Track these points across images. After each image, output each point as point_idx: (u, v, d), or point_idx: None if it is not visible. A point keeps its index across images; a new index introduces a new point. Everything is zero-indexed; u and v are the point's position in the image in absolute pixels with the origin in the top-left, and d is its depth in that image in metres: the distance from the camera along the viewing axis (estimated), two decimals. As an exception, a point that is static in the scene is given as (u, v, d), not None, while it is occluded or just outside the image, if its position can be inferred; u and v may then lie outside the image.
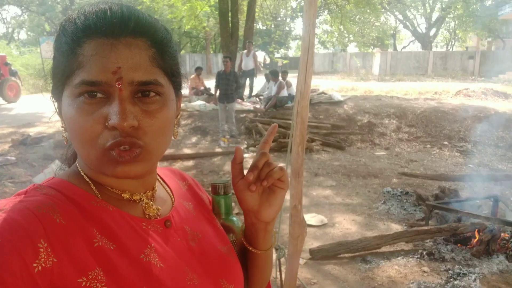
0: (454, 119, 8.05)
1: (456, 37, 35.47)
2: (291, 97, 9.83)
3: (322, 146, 7.51)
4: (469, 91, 11.23)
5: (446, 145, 7.31)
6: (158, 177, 0.76)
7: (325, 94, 10.46)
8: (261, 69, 16.04)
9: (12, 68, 13.75)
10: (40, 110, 9.93)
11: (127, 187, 0.65)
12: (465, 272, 3.24)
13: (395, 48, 35.43)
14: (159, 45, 0.60)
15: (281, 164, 0.72)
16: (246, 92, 11.53)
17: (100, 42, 0.55)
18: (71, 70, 0.56)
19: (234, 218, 0.83)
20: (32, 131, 7.42)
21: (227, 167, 6.34)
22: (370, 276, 3.25)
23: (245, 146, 7.60)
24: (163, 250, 0.63)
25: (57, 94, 0.61)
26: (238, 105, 9.78)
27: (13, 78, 13.15)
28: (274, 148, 7.23)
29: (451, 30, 33.82)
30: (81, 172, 0.64)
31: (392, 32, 35.28)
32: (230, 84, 7.91)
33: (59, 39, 0.59)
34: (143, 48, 0.57)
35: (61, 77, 0.58)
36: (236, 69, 11.53)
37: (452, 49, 35.17)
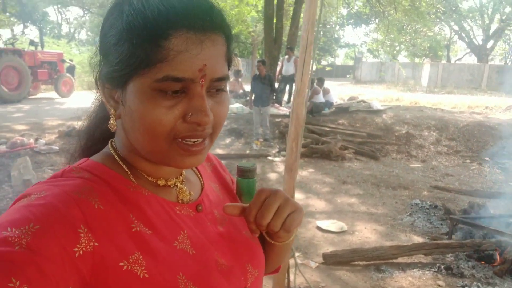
0: (499, 135, 7.64)
1: (517, 51, 33.43)
2: (328, 104, 9.79)
3: (355, 154, 7.41)
4: (521, 107, 10.59)
5: (487, 161, 6.96)
6: None
7: (364, 102, 10.28)
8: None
9: (70, 63, 14.70)
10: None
11: (162, 174, 0.65)
12: (483, 290, 3.11)
13: (448, 60, 33.98)
14: (230, 41, 0.60)
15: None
16: (286, 97, 11.59)
17: (190, 38, 0.53)
18: (151, 62, 0.53)
19: None
20: (79, 124, 7.91)
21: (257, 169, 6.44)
22: (381, 285, 3.20)
23: (277, 150, 7.66)
24: (195, 235, 0.63)
25: (118, 81, 0.57)
26: (275, 109, 9.88)
27: (67, 74, 14.06)
28: (305, 154, 7.24)
29: (511, 43, 31.93)
30: (115, 156, 0.63)
31: (446, 43, 33.92)
32: (265, 88, 8.01)
33: (133, 22, 0.53)
34: (221, 44, 0.57)
35: (133, 65, 0.54)
36: (277, 74, 11.67)
37: (511, 63, 33.16)
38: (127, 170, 0.62)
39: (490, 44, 29.35)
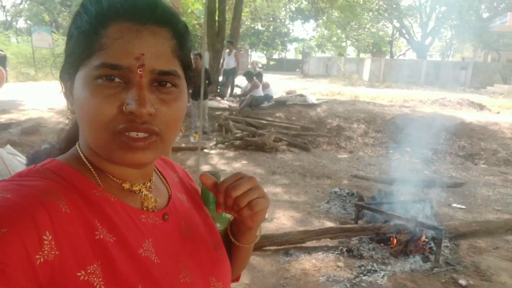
0: (420, 127, 8.23)
1: (453, 47, 35.67)
2: (268, 98, 10.02)
3: (288, 146, 7.68)
4: (445, 101, 11.42)
5: (408, 152, 7.48)
6: (154, 166, 0.74)
7: (301, 96, 10.64)
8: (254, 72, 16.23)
9: (0, 54, 13.86)
10: (21, 98, 10.10)
11: (127, 177, 0.63)
12: (376, 269, 3.42)
13: (392, 55, 35.58)
14: (180, 37, 0.60)
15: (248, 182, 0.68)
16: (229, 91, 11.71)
17: (126, 27, 0.54)
18: (91, 51, 0.55)
19: None
20: (5, 117, 7.60)
21: (190, 161, 6.52)
22: (286, 268, 3.42)
23: (214, 142, 7.77)
24: (160, 244, 0.62)
25: (69, 74, 0.59)
26: (216, 102, 9.97)
27: (-3, 66, 13.26)
28: (240, 146, 7.41)
29: (448, 40, 34.01)
30: (82, 157, 0.62)
31: (389, 39, 35.48)
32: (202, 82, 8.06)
33: (80, 17, 0.57)
34: (166, 38, 0.57)
35: (78, 57, 0.56)
36: (220, 67, 11.75)
37: (448, 59, 35.38)
38: (93, 172, 0.61)
39: (428, 41, 31.08)
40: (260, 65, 32.61)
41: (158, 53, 0.56)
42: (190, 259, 0.67)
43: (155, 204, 0.66)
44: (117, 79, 0.55)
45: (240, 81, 11.96)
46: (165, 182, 0.74)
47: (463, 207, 5.07)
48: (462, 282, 3.28)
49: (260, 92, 9.75)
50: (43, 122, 7.14)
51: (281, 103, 9.87)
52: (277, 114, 9.16)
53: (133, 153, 0.56)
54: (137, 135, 0.56)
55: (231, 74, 11.42)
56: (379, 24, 31.31)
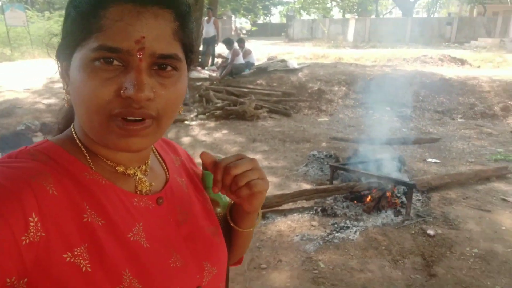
0: (400, 86, 8.27)
1: (439, 3, 35.15)
2: (249, 65, 9.92)
3: (269, 113, 7.71)
4: (426, 58, 11.40)
5: (387, 111, 7.55)
6: (153, 148, 0.73)
7: (282, 61, 10.55)
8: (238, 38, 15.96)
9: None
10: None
11: (122, 160, 0.63)
12: (349, 225, 3.55)
13: (377, 15, 35.04)
14: (182, 19, 0.58)
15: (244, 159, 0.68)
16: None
17: (127, 8, 0.52)
18: (89, 32, 0.53)
19: (222, 194, 0.81)
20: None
21: (171, 134, 6.54)
22: (262, 230, 3.54)
23: (195, 114, 7.76)
24: (152, 229, 0.62)
25: (66, 54, 0.58)
26: (196, 73, 9.86)
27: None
28: (221, 116, 7.42)
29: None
30: (76, 139, 0.61)
31: (375, -3, 34.81)
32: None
33: None
34: (168, 20, 0.55)
35: (76, 38, 0.55)
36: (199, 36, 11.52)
37: (434, 15, 34.93)
38: (86, 154, 0.60)
39: (414, -3, 30.53)
40: (244, 31, 31.99)
41: (159, 36, 0.54)
42: (184, 244, 0.66)
43: (150, 188, 0.66)
44: (115, 62, 0.53)
45: (222, 49, 11.79)
46: (164, 166, 0.73)
47: (438, 161, 5.20)
48: (431, 232, 3.43)
49: (240, 60, 9.65)
50: (19, 103, 7.03)
51: (262, 70, 9.80)
52: (258, 82, 9.12)
53: (127, 139, 0.55)
54: (135, 119, 0.55)
55: (211, 42, 11.24)
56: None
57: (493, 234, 3.43)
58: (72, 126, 0.63)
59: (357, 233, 3.45)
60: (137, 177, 0.64)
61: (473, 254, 3.15)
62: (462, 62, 11.14)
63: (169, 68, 0.56)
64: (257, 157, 5.53)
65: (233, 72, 9.44)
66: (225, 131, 6.80)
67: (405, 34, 24.98)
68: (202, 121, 7.37)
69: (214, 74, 9.86)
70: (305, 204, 4.01)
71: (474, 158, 5.31)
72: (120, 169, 0.63)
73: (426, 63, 11.06)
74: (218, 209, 0.81)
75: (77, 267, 0.52)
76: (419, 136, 6.15)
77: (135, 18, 0.53)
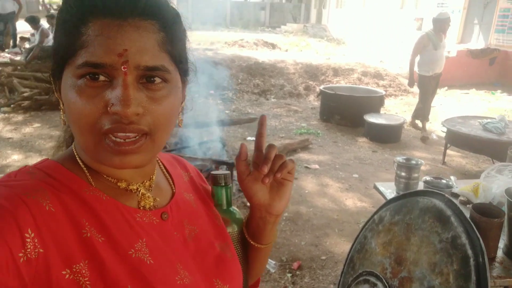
0: (222, 69, 8.77)
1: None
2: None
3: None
4: (243, 42, 12.32)
5: (212, 94, 7.94)
6: (160, 163, 0.73)
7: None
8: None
9: None
10: None
11: (123, 176, 0.61)
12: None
13: (198, -4, 35.69)
14: (169, 29, 0.56)
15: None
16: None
17: (106, 22, 0.51)
18: (74, 50, 0.53)
19: (235, 210, 0.80)
20: None
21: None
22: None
23: (-4, 105, 6.64)
24: (156, 244, 0.60)
25: (57, 73, 0.57)
26: (-6, 57, 8.39)
27: None
28: (32, 107, 6.55)
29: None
30: (76, 156, 0.61)
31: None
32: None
33: (62, 15, 0.55)
34: (151, 31, 0.53)
35: (63, 56, 0.54)
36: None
37: (250, -1, 37.63)
38: (86, 172, 0.59)
39: (230, -19, 32.12)
40: (55, 7, 28.31)
41: (142, 48, 0.52)
42: (191, 261, 0.64)
43: (154, 204, 0.64)
44: (101, 78, 0.52)
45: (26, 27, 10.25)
46: (171, 181, 0.72)
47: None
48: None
49: (51, 41, 8.60)
50: None
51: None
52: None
53: (121, 157, 0.54)
54: (125, 135, 0.53)
55: (9, 19, 9.65)
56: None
57: (299, 198, 4.08)
58: (73, 144, 0.63)
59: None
60: (140, 193, 0.63)
61: (284, 218, 3.70)
62: (273, 46, 12.44)
63: (157, 80, 0.55)
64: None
65: (41, 55, 8.36)
66: (37, 125, 6.04)
67: (225, 17, 26.33)
68: (7, 115, 6.37)
69: (17, 58, 8.54)
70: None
71: (284, 133, 6.11)
72: (122, 185, 0.62)
73: (243, 47, 11.94)
74: (231, 228, 0.78)
75: (76, 284, 0.51)
76: (240, 117, 6.70)
77: (116, 32, 0.52)
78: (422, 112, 6.04)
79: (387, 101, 7.35)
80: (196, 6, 26.16)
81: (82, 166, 0.61)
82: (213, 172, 0.77)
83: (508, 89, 9.54)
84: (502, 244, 1.56)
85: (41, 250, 0.49)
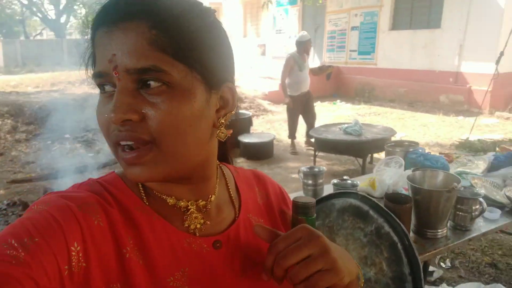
0: (75, 109, 8.00)
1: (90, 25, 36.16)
2: None
3: None
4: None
5: (67, 138, 7.16)
6: (230, 181, 0.67)
7: None
8: None
9: None
10: None
11: (171, 191, 0.59)
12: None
13: (26, 36, 32.37)
14: (163, 27, 0.50)
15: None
16: None
17: (102, 32, 0.51)
18: (94, 62, 0.55)
19: None
20: None
21: None
22: None
23: None
24: (200, 276, 0.56)
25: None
26: None
27: None
28: None
29: (83, 17, 34.10)
30: None
31: (19, 17, 31.92)
32: None
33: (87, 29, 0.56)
34: (141, 32, 0.49)
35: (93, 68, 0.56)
36: None
37: (88, 37, 35.67)
38: (140, 188, 0.59)
39: (63, 19, 30.06)
40: None
41: (129, 50, 0.49)
42: None
43: (202, 226, 0.59)
44: (107, 87, 0.52)
45: None
46: (237, 204, 0.66)
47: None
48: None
49: None
50: None
51: None
52: None
53: (130, 168, 0.51)
54: (127, 144, 0.50)
55: None
56: (2, 1, 27.45)
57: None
58: None
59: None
60: (189, 212, 0.59)
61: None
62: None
63: (153, 83, 0.50)
64: None
65: None
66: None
67: (63, 56, 24.33)
68: None
69: None
70: None
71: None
72: (171, 201, 0.58)
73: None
74: None
75: None
76: (110, 158, 6.19)
77: (108, 39, 0.50)
78: (290, 130, 6.39)
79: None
80: (25, 46, 23.57)
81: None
82: (295, 198, 0.61)
83: (345, 99, 11.13)
84: (412, 225, 1.75)
85: (84, 264, 0.49)
